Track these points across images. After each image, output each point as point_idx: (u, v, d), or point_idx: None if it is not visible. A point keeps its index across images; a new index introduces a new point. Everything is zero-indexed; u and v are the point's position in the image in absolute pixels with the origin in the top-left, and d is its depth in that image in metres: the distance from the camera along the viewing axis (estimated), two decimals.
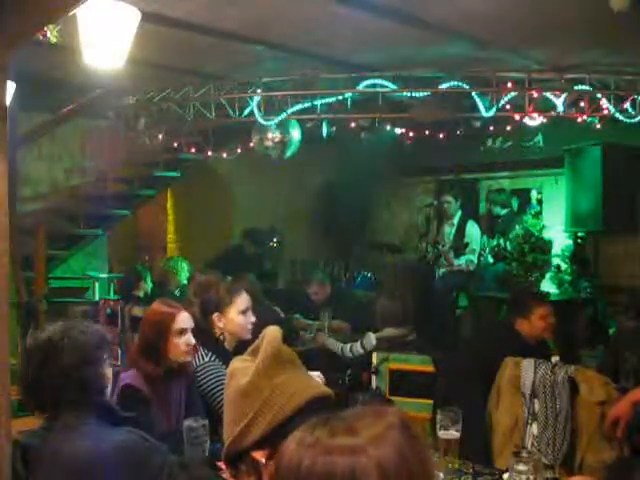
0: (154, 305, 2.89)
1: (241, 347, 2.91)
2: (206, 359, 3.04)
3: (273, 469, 1.42)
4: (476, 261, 6.93)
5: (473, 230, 7.02)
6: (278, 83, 5.77)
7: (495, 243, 7.07)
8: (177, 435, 2.45)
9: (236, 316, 3.14)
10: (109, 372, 2.02)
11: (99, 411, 1.87)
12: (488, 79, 5.39)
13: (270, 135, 6.15)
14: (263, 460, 1.43)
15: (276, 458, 1.07)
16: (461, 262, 6.83)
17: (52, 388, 1.85)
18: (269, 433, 1.43)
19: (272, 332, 1.55)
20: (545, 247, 6.91)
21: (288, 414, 1.43)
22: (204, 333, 3.26)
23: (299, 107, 5.66)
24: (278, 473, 1.04)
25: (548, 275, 6.98)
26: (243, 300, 3.19)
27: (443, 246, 6.88)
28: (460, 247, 6.86)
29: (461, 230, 7.01)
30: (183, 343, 2.76)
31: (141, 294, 5.84)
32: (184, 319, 2.80)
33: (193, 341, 2.81)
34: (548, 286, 6.91)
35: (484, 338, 4.25)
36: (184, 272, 6.38)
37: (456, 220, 7.09)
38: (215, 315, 3.15)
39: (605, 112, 5.33)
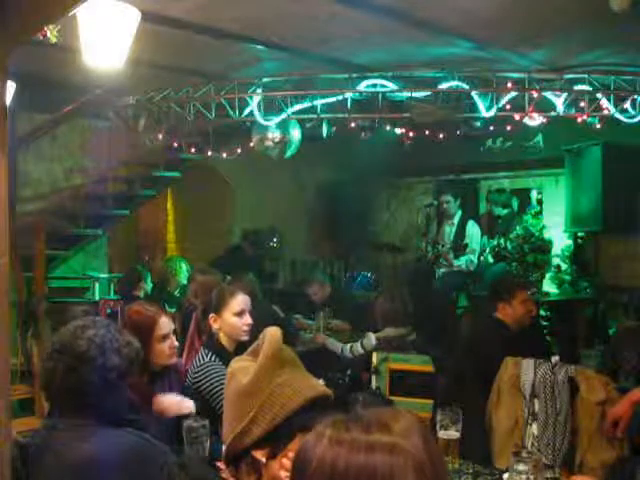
0: (132, 311, 2.83)
1: (241, 347, 2.91)
2: (206, 359, 3.04)
3: (274, 469, 1.43)
4: (476, 261, 6.93)
5: (473, 230, 7.01)
6: (278, 83, 5.77)
7: (495, 243, 7.07)
8: (171, 436, 2.45)
9: (230, 318, 3.13)
10: None
11: (101, 412, 1.87)
12: (488, 79, 5.38)
13: (270, 135, 6.15)
14: (263, 459, 1.44)
15: (298, 456, 1.00)
16: (461, 262, 6.82)
17: (72, 392, 1.83)
18: (270, 432, 1.43)
19: (272, 332, 1.56)
20: (545, 247, 6.90)
21: (288, 413, 1.44)
22: (205, 334, 3.27)
23: (299, 107, 5.65)
24: (304, 472, 0.97)
25: (548, 275, 6.98)
26: (238, 302, 3.17)
27: (443, 246, 6.88)
28: (460, 247, 6.85)
29: (461, 230, 7.00)
30: (167, 347, 2.76)
31: (141, 294, 5.83)
32: (165, 323, 2.78)
33: (176, 343, 2.81)
34: (548, 286, 6.91)
35: (475, 336, 4.28)
36: (183, 272, 6.38)
37: (456, 220, 7.09)
38: (211, 316, 3.16)
39: (605, 112, 5.33)
